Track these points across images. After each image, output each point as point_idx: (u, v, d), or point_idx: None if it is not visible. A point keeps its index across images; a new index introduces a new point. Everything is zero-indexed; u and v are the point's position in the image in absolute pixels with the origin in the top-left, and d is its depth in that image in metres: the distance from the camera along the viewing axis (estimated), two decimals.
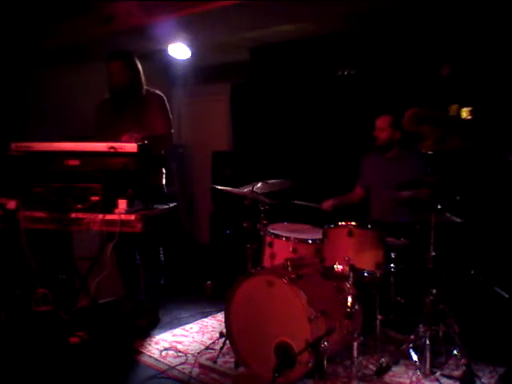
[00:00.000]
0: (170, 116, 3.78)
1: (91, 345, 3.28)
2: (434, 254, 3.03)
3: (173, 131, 3.79)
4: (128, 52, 3.71)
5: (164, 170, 3.83)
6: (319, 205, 3.90)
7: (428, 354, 2.96)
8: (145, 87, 3.74)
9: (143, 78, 3.72)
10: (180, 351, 3.40)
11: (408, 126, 3.37)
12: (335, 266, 2.94)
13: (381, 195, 3.78)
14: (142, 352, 3.41)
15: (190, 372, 3.09)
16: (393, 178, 3.58)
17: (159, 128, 3.62)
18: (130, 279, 3.95)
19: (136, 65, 3.70)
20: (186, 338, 3.68)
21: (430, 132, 2.62)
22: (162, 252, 3.90)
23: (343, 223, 2.99)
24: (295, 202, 3.84)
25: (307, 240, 3.32)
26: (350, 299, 2.80)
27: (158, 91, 3.79)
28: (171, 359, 3.29)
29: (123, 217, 3.00)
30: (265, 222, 3.51)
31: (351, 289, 2.82)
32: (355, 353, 2.83)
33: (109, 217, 3.01)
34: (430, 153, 2.63)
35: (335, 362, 3.11)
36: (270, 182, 3.57)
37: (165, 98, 3.78)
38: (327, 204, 3.91)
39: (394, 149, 3.79)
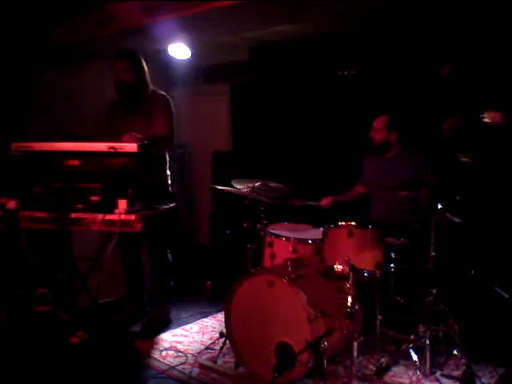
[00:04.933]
0: (173, 117, 3.73)
1: (91, 345, 3.28)
2: (433, 253, 3.03)
3: (174, 132, 3.74)
4: (134, 52, 3.69)
5: (168, 172, 3.82)
6: (318, 202, 3.87)
7: (428, 354, 2.97)
8: (151, 87, 3.73)
9: (149, 78, 3.71)
10: (180, 351, 3.41)
11: (448, 135, 3.32)
12: (335, 266, 2.94)
13: (381, 195, 3.78)
14: (141, 352, 3.41)
15: (190, 372, 3.10)
16: (392, 178, 3.58)
17: (159, 128, 3.59)
18: (134, 279, 3.97)
19: (142, 65, 3.68)
20: (186, 338, 3.68)
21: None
22: (169, 252, 3.89)
23: (343, 223, 3.00)
24: (294, 200, 3.81)
25: (307, 240, 3.32)
26: (349, 299, 2.80)
27: (162, 92, 3.78)
28: (171, 359, 3.30)
29: (123, 217, 3.00)
30: (265, 222, 3.51)
31: (351, 289, 2.82)
32: (355, 353, 2.83)
33: (109, 217, 3.01)
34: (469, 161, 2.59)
35: (335, 362, 3.11)
36: (270, 184, 3.56)
37: (169, 98, 3.75)
38: (326, 201, 3.87)
39: (393, 148, 3.78)
